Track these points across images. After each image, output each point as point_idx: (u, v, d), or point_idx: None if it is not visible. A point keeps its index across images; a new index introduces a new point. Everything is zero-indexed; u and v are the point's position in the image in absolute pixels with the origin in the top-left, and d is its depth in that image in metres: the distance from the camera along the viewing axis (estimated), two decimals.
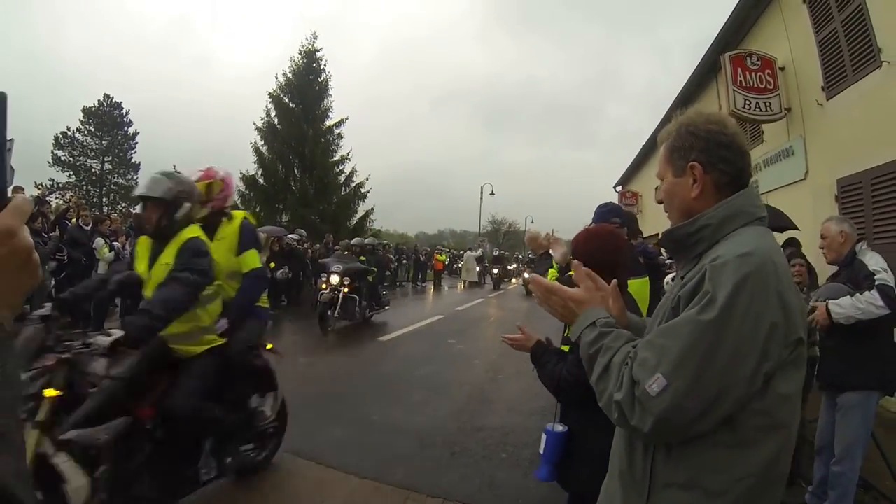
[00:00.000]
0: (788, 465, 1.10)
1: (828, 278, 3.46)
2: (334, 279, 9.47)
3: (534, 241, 2.91)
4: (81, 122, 34.42)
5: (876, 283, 2.86)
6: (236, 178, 19.76)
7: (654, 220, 14.37)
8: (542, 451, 1.95)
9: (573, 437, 1.94)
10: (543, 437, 1.96)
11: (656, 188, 1.33)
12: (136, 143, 36.29)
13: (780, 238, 5.62)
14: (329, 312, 9.28)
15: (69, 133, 34.19)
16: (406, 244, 30.38)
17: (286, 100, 23.80)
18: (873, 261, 2.98)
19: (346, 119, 24.96)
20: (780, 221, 5.67)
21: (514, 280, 26.69)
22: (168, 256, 2.69)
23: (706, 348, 0.98)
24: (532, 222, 46.64)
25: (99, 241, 7.78)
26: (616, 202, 3.48)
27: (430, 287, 23.46)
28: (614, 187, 23.44)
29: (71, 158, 34.14)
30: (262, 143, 23.42)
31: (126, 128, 35.98)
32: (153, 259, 2.77)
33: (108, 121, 34.88)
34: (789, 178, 8.16)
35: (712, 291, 1.00)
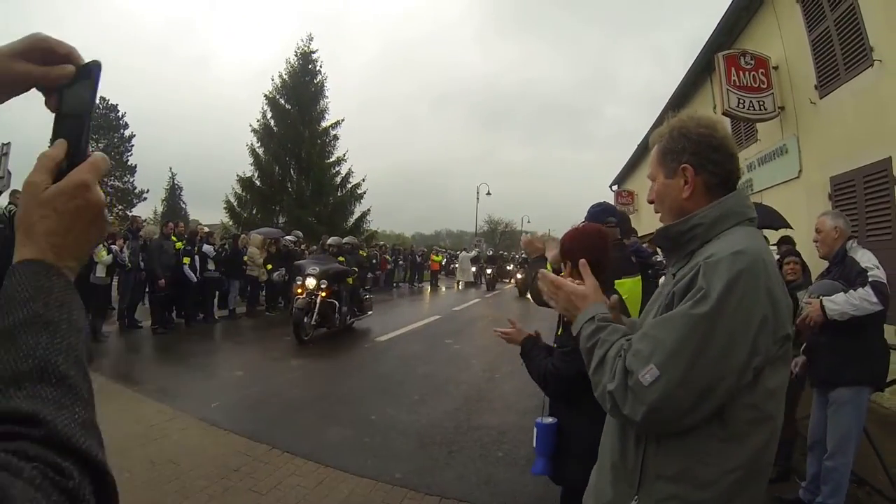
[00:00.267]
0: (773, 456, 1.14)
1: (819, 275, 3.50)
2: (310, 282, 8.57)
3: (531, 245, 2.94)
4: None
5: (869, 279, 2.90)
6: (233, 181, 19.62)
7: (650, 219, 14.38)
8: (534, 445, 1.99)
9: (562, 429, 1.97)
10: (535, 430, 1.99)
11: (651, 188, 1.36)
12: (133, 145, 36.14)
13: (774, 236, 5.66)
14: (305, 319, 8.31)
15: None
16: (402, 245, 30.37)
17: (282, 101, 23.79)
18: (865, 258, 3.02)
19: (343, 120, 25.01)
20: (772, 220, 5.73)
21: (511, 281, 25.69)
22: None
23: (699, 340, 1.01)
24: (529, 222, 46.72)
25: None
26: (609, 202, 3.51)
27: (427, 287, 23.47)
28: (610, 186, 23.53)
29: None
30: (259, 144, 23.41)
31: (122, 130, 35.81)
32: None
33: (104, 123, 34.64)
34: (783, 176, 8.22)
35: (706, 287, 1.04)
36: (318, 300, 8.45)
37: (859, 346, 2.97)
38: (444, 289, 23.11)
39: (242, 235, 12.77)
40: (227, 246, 11.73)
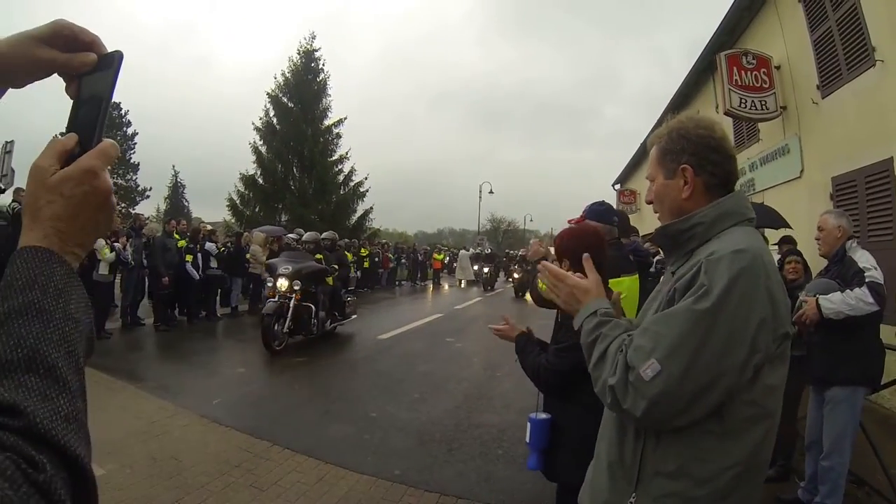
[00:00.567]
0: (771, 453, 1.16)
1: (817, 273, 3.50)
2: (282, 283, 7.52)
3: (539, 253, 2.99)
4: None
5: (866, 279, 2.91)
6: (236, 178, 19.56)
7: (653, 219, 14.30)
8: (528, 440, 2.01)
9: (555, 425, 1.99)
10: (528, 425, 2.01)
11: (649, 188, 1.37)
12: (136, 143, 36.18)
13: (775, 236, 5.67)
14: (276, 326, 7.25)
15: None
16: (405, 243, 30.40)
17: (285, 100, 23.79)
18: (863, 258, 3.03)
19: (345, 118, 25.01)
20: (772, 220, 5.73)
21: (512, 278, 24.68)
22: None
23: (701, 336, 1.03)
24: (531, 220, 46.74)
25: (99, 241, 7.79)
26: (606, 201, 3.53)
27: (429, 286, 23.48)
28: (613, 186, 23.47)
29: None
30: (261, 142, 23.42)
31: (125, 128, 35.90)
32: None
33: (106, 121, 34.70)
34: (785, 176, 8.21)
35: (708, 284, 1.05)
36: (292, 304, 7.47)
37: (854, 346, 2.98)
38: (446, 287, 23.13)
39: (245, 233, 12.81)
40: (230, 244, 11.77)
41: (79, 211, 0.53)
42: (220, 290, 10.83)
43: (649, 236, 6.38)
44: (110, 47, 0.62)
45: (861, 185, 6.19)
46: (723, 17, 9.25)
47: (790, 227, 5.80)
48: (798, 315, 3.05)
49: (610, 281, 2.24)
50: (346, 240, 18.09)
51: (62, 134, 0.58)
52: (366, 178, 24.78)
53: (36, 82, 0.63)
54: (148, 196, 36.74)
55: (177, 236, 9.53)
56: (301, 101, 23.65)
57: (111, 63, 0.61)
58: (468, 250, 26.10)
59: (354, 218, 24.46)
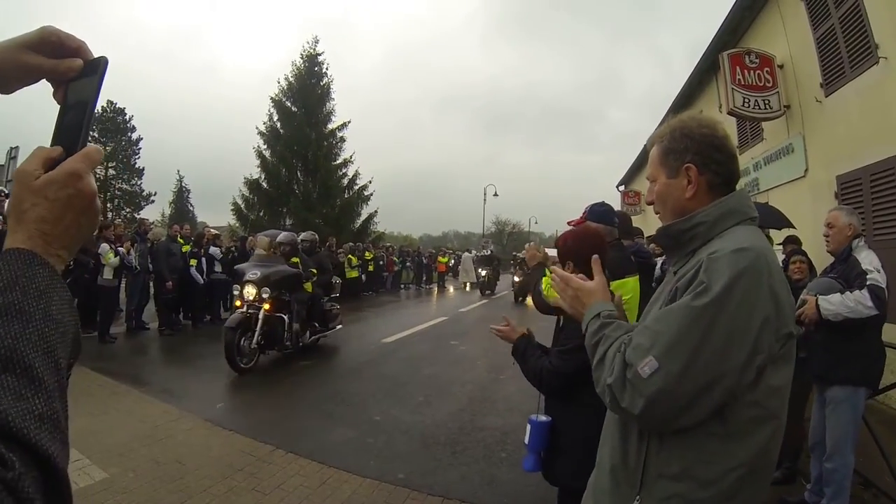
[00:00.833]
0: (777, 455, 1.13)
1: (822, 271, 3.46)
2: (249, 291, 6.59)
3: (536, 257, 2.97)
4: None
5: (867, 282, 2.86)
6: (240, 183, 19.47)
7: (657, 220, 14.33)
8: (526, 441, 2.00)
9: (556, 428, 1.98)
10: (528, 427, 2.00)
11: (649, 189, 1.36)
12: (140, 148, 36.49)
13: (780, 236, 5.63)
14: (243, 341, 6.33)
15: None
16: (410, 246, 30.41)
17: (288, 104, 23.82)
18: (868, 259, 2.97)
19: (349, 122, 24.99)
20: (775, 220, 5.70)
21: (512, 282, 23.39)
22: None
23: (700, 333, 1.01)
24: (536, 222, 46.73)
25: (104, 246, 7.83)
26: (606, 202, 3.52)
27: (434, 289, 23.48)
28: (617, 187, 23.44)
29: None
30: (265, 147, 23.45)
31: (130, 133, 36.15)
32: None
33: (111, 127, 34.98)
34: (789, 175, 8.16)
35: (707, 281, 1.03)
36: (261, 314, 6.53)
37: (855, 347, 2.95)
38: (451, 290, 23.13)
39: (250, 238, 12.85)
40: (234, 249, 11.79)
41: (63, 213, 0.54)
42: (224, 295, 10.86)
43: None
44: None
45: (866, 183, 6.14)
46: (725, 16, 9.22)
47: (794, 228, 5.77)
48: (797, 314, 3.03)
49: (614, 282, 2.23)
50: (352, 243, 18.11)
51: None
52: (370, 182, 24.79)
53: (38, 90, 0.65)
54: (153, 201, 37.04)
55: (181, 241, 9.56)
56: (305, 105, 23.67)
57: (96, 68, 0.62)
58: (471, 253, 26.08)
59: (359, 221, 24.45)
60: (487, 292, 19.62)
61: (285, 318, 6.90)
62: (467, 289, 22.83)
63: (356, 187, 24.55)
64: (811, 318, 2.97)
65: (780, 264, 2.26)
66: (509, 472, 3.82)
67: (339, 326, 8.59)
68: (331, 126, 24.49)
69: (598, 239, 2.07)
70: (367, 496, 3.39)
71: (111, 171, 35.17)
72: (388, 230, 36.09)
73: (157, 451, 3.85)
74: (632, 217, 9.24)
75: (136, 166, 36.27)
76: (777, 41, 8.19)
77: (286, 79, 24.04)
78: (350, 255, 16.71)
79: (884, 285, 2.84)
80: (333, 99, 24.70)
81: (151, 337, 8.52)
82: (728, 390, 1.02)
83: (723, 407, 1.03)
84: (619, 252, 2.75)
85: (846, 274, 3.02)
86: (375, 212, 25.10)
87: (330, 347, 8.29)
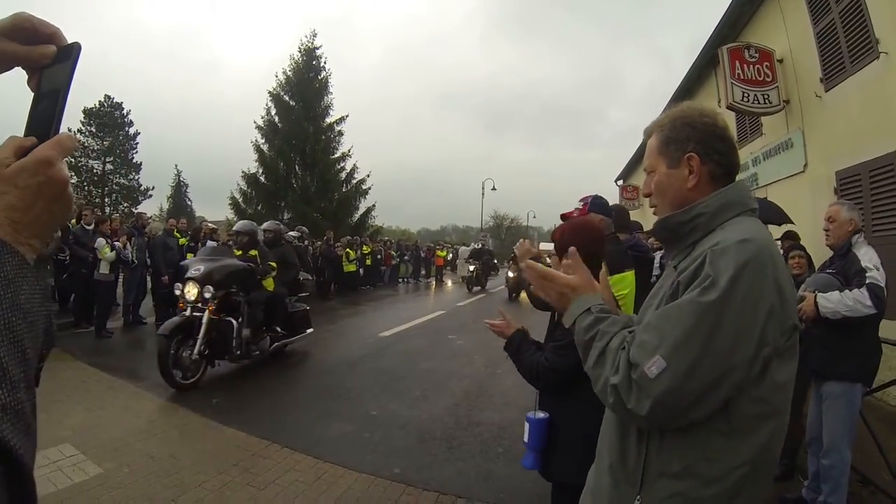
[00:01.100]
0: (780, 451, 1.11)
1: (820, 266, 3.44)
2: (190, 291, 5.53)
3: (529, 253, 2.95)
4: (82, 122, 34.28)
5: (866, 280, 2.83)
6: (238, 177, 19.35)
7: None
8: (525, 440, 1.98)
9: (553, 424, 1.96)
10: (527, 425, 1.98)
11: (646, 181, 1.32)
12: (138, 143, 36.32)
13: (778, 231, 5.62)
14: (181, 350, 5.32)
15: (70, 134, 34.05)
16: (408, 240, 30.41)
17: (286, 98, 23.71)
18: (867, 256, 2.94)
19: (347, 116, 24.85)
20: (774, 215, 5.68)
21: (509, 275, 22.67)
22: None
23: (707, 330, 0.98)
24: (535, 217, 46.71)
25: (100, 241, 7.81)
26: (600, 195, 3.51)
27: (432, 283, 23.48)
28: (616, 181, 23.40)
29: (72, 159, 34.04)
30: (263, 141, 23.36)
31: (127, 128, 35.98)
32: None
33: (108, 121, 34.79)
34: (788, 170, 8.14)
35: (714, 275, 1.00)
36: (205, 318, 5.46)
37: (853, 343, 2.93)
38: (449, 284, 23.14)
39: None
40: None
41: (34, 201, 0.53)
42: None
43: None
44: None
45: (865, 178, 6.13)
46: (724, 10, 9.17)
47: (793, 223, 5.76)
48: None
49: (613, 277, 2.21)
50: (349, 237, 18.08)
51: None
52: (368, 176, 24.69)
53: (12, 77, 0.64)
54: (150, 195, 36.91)
55: (177, 234, 9.53)
56: (303, 98, 23.56)
57: (69, 54, 0.61)
58: (469, 247, 26.06)
59: (357, 215, 24.40)
60: (476, 288, 18.84)
61: (233, 322, 5.81)
62: (462, 282, 22.82)
63: (354, 181, 24.47)
64: (809, 315, 2.95)
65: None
66: (506, 467, 3.81)
67: (310, 331, 7.44)
68: (329, 120, 24.38)
69: (596, 232, 2.04)
70: (363, 491, 3.38)
71: (109, 166, 35.06)
72: (386, 224, 36.11)
73: (153, 445, 3.83)
74: (630, 211, 9.21)
75: (134, 161, 36.15)
76: (777, 35, 8.15)
77: (284, 73, 23.92)
78: (348, 249, 16.68)
79: (883, 284, 2.81)
80: (331, 93, 24.57)
81: (148, 332, 8.48)
82: (735, 384, 0.99)
83: (728, 403, 1.01)
84: (615, 245, 2.73)
85: (845, 270, 2.99)
86: (373, 206, 25.02)
87: (334, 341, 8.24)
